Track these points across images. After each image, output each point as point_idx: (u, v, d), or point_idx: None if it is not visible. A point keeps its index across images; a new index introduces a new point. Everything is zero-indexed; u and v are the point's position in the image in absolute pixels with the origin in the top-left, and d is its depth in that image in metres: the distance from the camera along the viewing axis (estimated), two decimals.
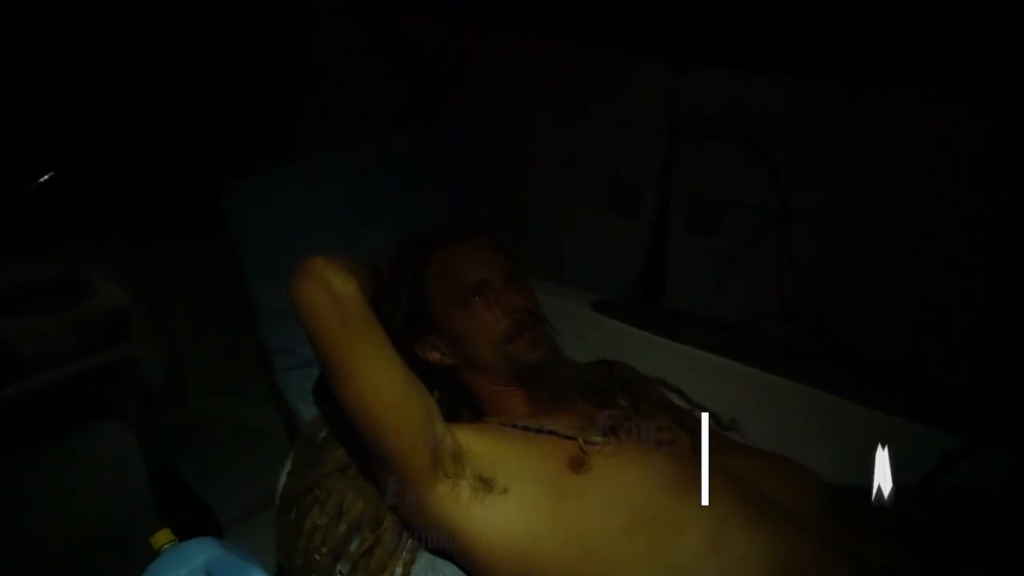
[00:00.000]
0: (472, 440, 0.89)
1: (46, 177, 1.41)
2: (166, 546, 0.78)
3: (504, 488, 0.84)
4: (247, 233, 1.19)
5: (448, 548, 0.88)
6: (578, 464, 0.85)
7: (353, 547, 0.92)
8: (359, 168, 1.30)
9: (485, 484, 0.85)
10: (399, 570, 0.89)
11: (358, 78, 1.73)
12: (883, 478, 0.95)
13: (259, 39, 1.82)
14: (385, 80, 1.68)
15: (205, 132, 1.72)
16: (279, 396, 1.21)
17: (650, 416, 0.99)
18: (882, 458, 0.99)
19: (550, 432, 0.91)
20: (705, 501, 0.81)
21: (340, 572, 0.91)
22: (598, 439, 0.88)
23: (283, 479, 1.07)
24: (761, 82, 1.20)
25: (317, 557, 0.93)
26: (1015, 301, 1.08)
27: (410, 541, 0.92)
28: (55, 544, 1.26)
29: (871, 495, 0.93)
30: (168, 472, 1.47)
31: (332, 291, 0.87)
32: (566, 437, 0.89)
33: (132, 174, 1.65)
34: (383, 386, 0.86)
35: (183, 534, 0.80)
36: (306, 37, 1.78)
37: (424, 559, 0.90)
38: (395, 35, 1.64)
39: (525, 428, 0.93)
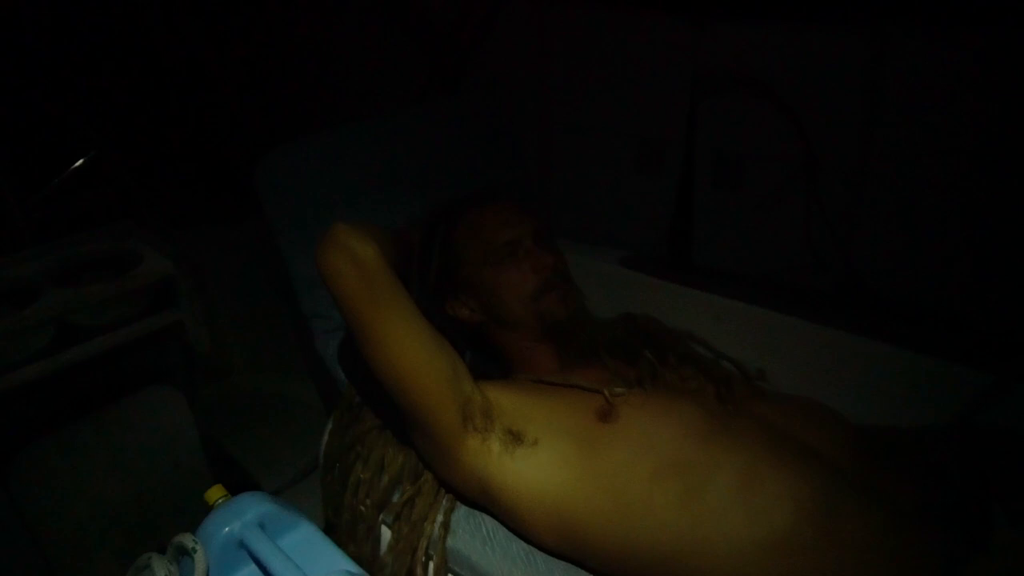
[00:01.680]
0: (501, 395, 0.92)
1: (85, 159, 1.46)
2: (219, 501, 0.82)
3: (534, 440, 0.87)
4: (279, 206, 1.21)
5: (484, 502, 0.91)
6: (605, 414, 0.87)
7: (395, 498, 0.96)
8: (385, 138, 1.31)
9: (515, 437, 0.87)
10: (440, 518, 0.92)
11: (380, 53, 1.73)
12: (915, 418, 0.97)
13: (281, 20, 1.83)
14: (406, 52, 1.68)
15: (233, 116, 1.76)
16: (319, 364, 1.25)
17: (675, 367, 1.01)
18: (914, 398, 1.00)
19: (576, 386, 0.92)
20: (733, 444, 0.82)
21: (384, 522, 0.95)
22: (623, 389, 0.89)
23: (325, 439, 1.12)
24: (782, 33, 1.18)
25: (362, 509, 0.97)
26: None
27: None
28: (115, 501, 1.33)
29: (903, 436, 0.95)
30: (217, 442, 1.53)
31: (355, 257, 0.89)
32: (592, 390, 0.91)
33: (168, 159, 1.69)
34: (408, 347, 0.88)
35: (234, 492, 0.84)
36: (326, 15, 1.78)
37: (464, 508, 0.94)
38: (413, 7, 1.63)
39: (552, 383, 0.95)
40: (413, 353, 0.88)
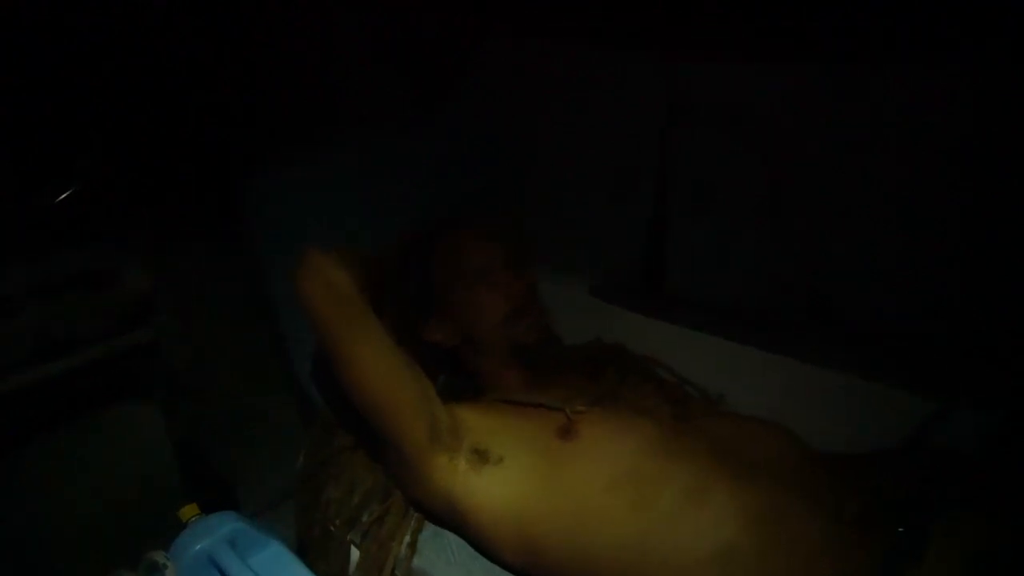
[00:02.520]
0: (468, 415, 0.95)
1: (70, 174, 1.47)
2: (192, 519, 0.84)
3: (499, 458, 0.90)
4: (263, 226, 1.24)
5: (450, 519, 0.94)
6: (565, 432, 0.90)
7: (365, 517, 0.98)
8: (366, 162, 1.35)
9: (481, 456, 0.90)
10: (407, 538, 0.95)
11: (361, 74, 1.76)
12: (868, 442, 1.00)
13: (265, 38, 1.85)
14: (389, 75, 1.71)
15: (218, 133, 1.78)
16: (296, 383, 1.27)
17: (636, 386, 1.04)
18: (865, 423, 1.04)
19: (540, 405, 0.96)
20: (683, 458, 0.85)
21: (353, 541, 0.98)
22: (583, 408, 0.93)
23: (300, 459, 1.14)
24: (754, 69, 1.23)
25: (332, 528, 1.00)
26: (999, 270, 1.11)
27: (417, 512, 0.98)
28: (89, 515, 1.34)
29: (852, 456, 0.98)
30: (194, 458, 1.54)
31: (327, 281, 0.92)
32: (555, 408, 0.94)
33: (154, 172, 1.70)
34: (379, 369, 0.91)
35: (208, 511, 0.86)
36: (309, 34, 1.81)
37: (431, 527, 0.97)
38: (397, 32, 1.67)
39: (518, 403, 0.98)
40: (383, 375, 0.91)
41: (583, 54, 1.41)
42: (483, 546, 0.92)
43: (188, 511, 0.85)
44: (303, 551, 1.06)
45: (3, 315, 1.27)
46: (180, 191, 1.73)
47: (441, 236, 1.11)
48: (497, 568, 0.91)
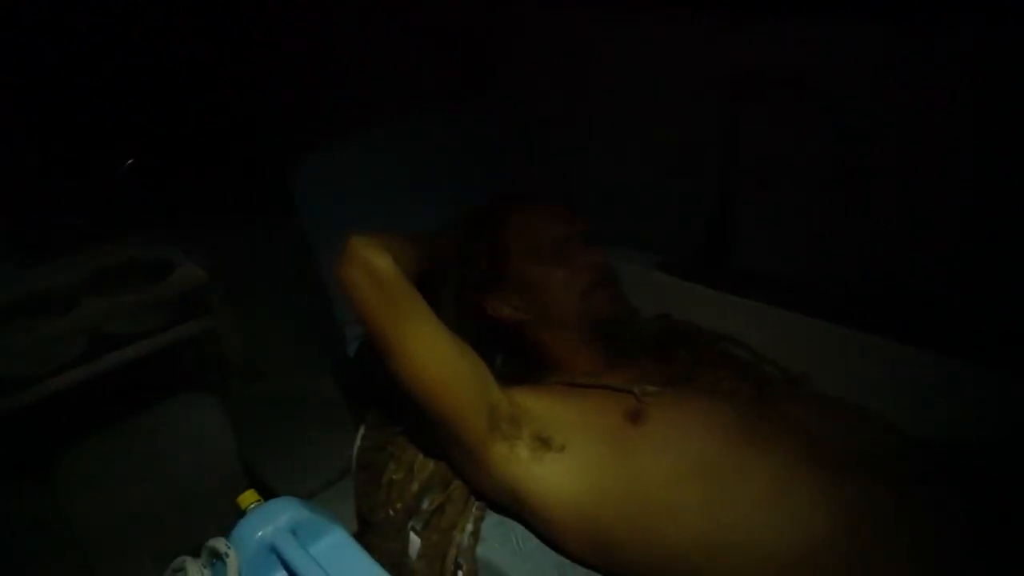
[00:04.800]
0: (529, 401, 0.91)
1: (127, 164, 1.49)
2: (252, 506, 0.82)
3: (562, 445, 0.85)
4: (313, 209, 1.22)
5: (514, 508, 0.90)
6: (635, 416, 0.85)
7: (425, 505, 0.96)
8: (418, 140, 1.32)
9: (543, 443, 0.86)
10: (469, 527, 0.91)
11: (409, 54, 1.74)
12: (970, 432, 0.92)
13: (314, 22, 1.85)
14: (436, 54, 1.69)
15: (270, 118, 1.78)
16: (351, 369, 1.25)
17: (712, 367, 0.99)
18: (969, 412, 0.96)
19: (607, 387, 0.91)
20: (766, 448, 0.79)
21: (413, 528, 0.95)
22: (654, 389, 0.88)
23: (358, 442, 1.12)
24: (822, 30, 1.16)
25: (391, 512, 0.97)
26: None
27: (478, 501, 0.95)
28: (152, 504, 1.36)
29: (956, 448, 0.90)
30: (252, 446, 1.55)
31: (370, 268, 0.88)
32: (624, 391, 0.89)
33: (207, 162, 1.71)
34: (430, 358, 0.88)
35: (266, 496, 0.85)
36: (359, 16, 1.80)
37: (494, 516, 0.93)
38: (443, 8, 1.64)
39: (582, 385, 0.94)
40: (435, 363, 0.88)
41: (639, 21, 1.35)
42: (548, 535, 0.88)
43: (247, 497, 0.83)
44: (363, 533, 1.05)
45: (58, 310, 1.28)
46: (230, 179, 1.74)
47: (513, 209, 1.07)
48: (566, 559, 0.86)
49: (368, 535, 1.01)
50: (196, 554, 0.77)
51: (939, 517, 0.74)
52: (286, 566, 0.75)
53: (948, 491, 0.77)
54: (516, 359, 1.11)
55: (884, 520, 0.73)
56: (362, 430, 1.12)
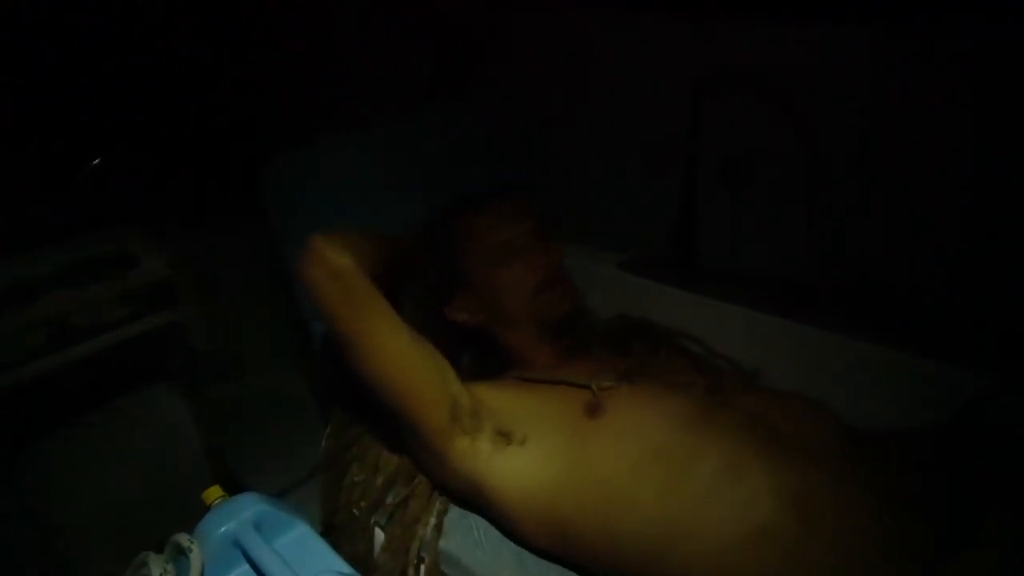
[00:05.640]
0: (490, 396, 0.93)
1: (94, 163, 1.47)
2: (216, 501, 0.83)
3: (523, 439, 0.88)
4: (283, 208, 1.22)
5: (475, 502, 0.92)
6: (593, 409, 0.88)
7: (389, 499, 0.97)
8: (390, 141, 1.32)
9: (504, 437, 0.88)
10: (432, 520, 0.93)
11: (386, 53, 1.73)
12: (913, 420, 0.96)
13: (287, 19, 1.83)
14: (413, 52, 1.68)
15: (242, 115, 1.76)
16: (318, 366, 1.25)
17: (666, 360, 1.02)
18: (912, 401, 1.00)
19: (564, 382, 0.93)
20: (717, 435, 0.82)
21: (377, 523, 0.96)
22: (610, 383, 0.90)
23: (324, 441, 1.12)
24: (785, 31, 1.18)
25: (355, 512, 0.98)
26: None
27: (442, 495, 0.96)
28: (116, 498, 1.35)
29: (896, 434, 0.94)
30: (220, 441, 1.54)
31: (331, 267, 0.88)
32: (580, 386, 0.92)
33: (177, 158, 1.70)
34: (391, 354, 0.89)
35: (232, 492, 0.85)
36: (333, 13, 1.79)
37: (456, 510, 0.95)
38: (421, 7, 1.64)
39: (542, 380, 0.96)
40: (395, 359, 0.89)
41: (609, 20, 1.36)
42: (509, 528, 0.90)
43: (212, 493, 0.84)
44: (328, 533, 1.05)
45: (22, 301, 1.26)
46: (199, 173, 1.73)
47: (463, 213, 1.09)
48: (525, 551, 0.88)
49: (334, 536, 1.02)
50: (160, 549, 0.77)
51: (880, 503, 0.77)
52: (250, 561, 0.75)
53: (887, 477, 0.80)
54: (482, 357, 1.12)
55: (827, 503, 0.75)
56: (328, 429, 1.12)
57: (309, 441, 1.23)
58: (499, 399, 0.93)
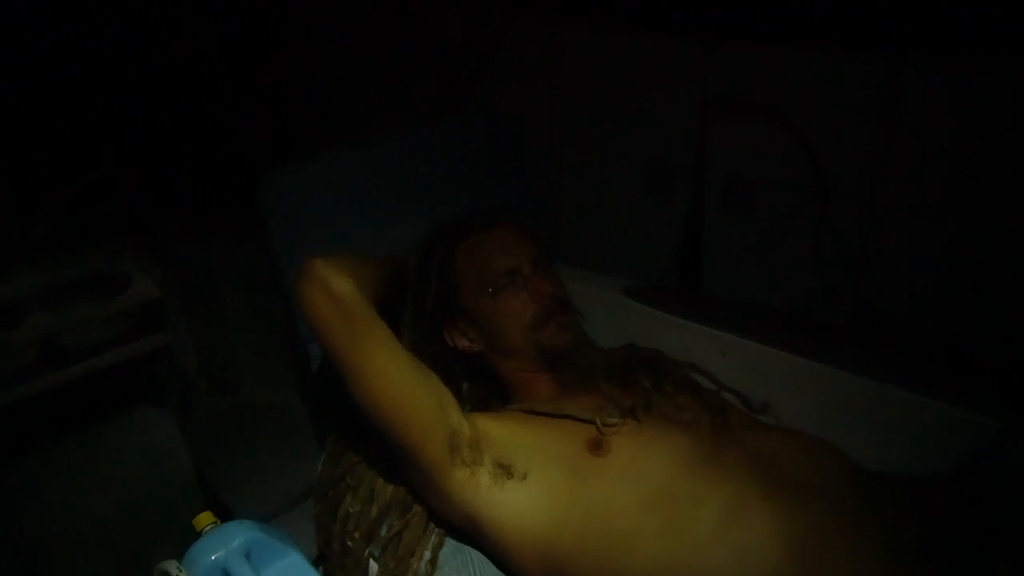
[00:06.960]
0: (491, 427, 0.90)
1: (89, 177, 1.46)
2: (208, 528, 0.81)
3: (523, 474, 0.85)
4: (281, 226, 1.21)
5: (472, 535, 0.90)
6: (596, 446, 0.86)
7: (384, 531, 0.94)
8: (390, 159, 1.31)
9: (504, 470, 0.86)
10: (427, 554, 0.90)
11: (388, 69, 1.73)
12: (923, 463, 0.94)
13: (291, 34, 1.83)
14: (414, 69, 1.68)
15: (243, 130, 1.76)
16: (314, 389, 1.23)
17: (672, 396, 0.99)
18: (922, 443, 0.98)
19: (569, 416, 0.91)
20: (722, 476, 0.80)
21: (371, 555, 0.93)
22: (615, 420, 0.89)
23: (318, 468, 1.10)
24: (793, 57, 1.18)
25: (350, 543, 0.95)
26: None
27: (438, 527, 0.93)
28: (103, 521, 1.31)
29: (906, 478, 0.92)
30: (212, 460, 1.51)
31: (330, 291, 0.86)
32: (585, 421, 0.90)
33: (177, 173, 1.69)
34: (389, 381, 0.86)
35: (225, 518, 0.83)
36: (335, 29, 1.79)
37: (452, 544, 0.92)
38: (422, 23, 1.64)
39: (545, 413, 0.94)
40: (393, 386, 0.86)
41: (614, 42, 1.36)
42: (505, 563, 0.88)
43: (203, 519, 0.82)
44: (321, 562, 1.03)
45: (8, 322, 1.24)
46: (193, 192, 1.71)
47: (463, 238, 1.07)
48: None
49: (326, 565, 1.00)
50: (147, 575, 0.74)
51: (890, 548, 0.75)
52: None
53: (900, 522, 0.79)
54: (482, 384, 1.10)
55: (834, 550, 0.74)
56: (323, 456, 1.10)
57: (303, 463, 1.20)
58: (500, 430, 0.90)
